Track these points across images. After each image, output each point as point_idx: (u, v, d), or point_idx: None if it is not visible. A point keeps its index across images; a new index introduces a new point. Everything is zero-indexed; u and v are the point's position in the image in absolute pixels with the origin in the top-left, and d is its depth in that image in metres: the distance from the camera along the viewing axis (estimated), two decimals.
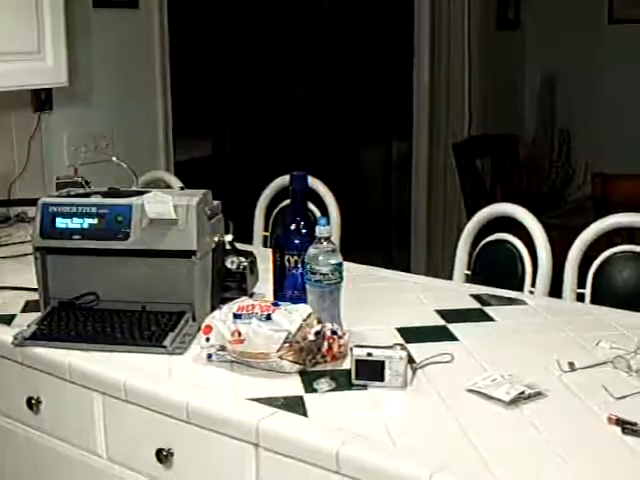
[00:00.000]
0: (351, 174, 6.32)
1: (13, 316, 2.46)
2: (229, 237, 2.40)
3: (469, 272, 2.97)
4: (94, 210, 2.29)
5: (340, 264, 2.14)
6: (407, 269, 4.71)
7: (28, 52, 3.32)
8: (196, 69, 5.55)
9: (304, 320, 2.00)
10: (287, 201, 3.36)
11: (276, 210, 3.57)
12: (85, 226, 2.29)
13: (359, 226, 4.82)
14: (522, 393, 1.84)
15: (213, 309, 2.25)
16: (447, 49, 5.67)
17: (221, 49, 5.93)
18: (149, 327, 2.21)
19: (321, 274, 2.11)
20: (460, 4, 5.64)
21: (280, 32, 6.22)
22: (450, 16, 5.64)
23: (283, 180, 3.51)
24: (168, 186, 3.64)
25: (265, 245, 3.51)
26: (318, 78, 6.46)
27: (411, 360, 1.99)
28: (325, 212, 3.33)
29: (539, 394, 1.86)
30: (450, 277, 3.00)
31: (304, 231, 2.26)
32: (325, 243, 2.13)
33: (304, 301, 2.16)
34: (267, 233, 3.59)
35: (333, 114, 6.46)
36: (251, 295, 2.41)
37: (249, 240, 3.51)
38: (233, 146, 6.11)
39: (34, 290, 2.53)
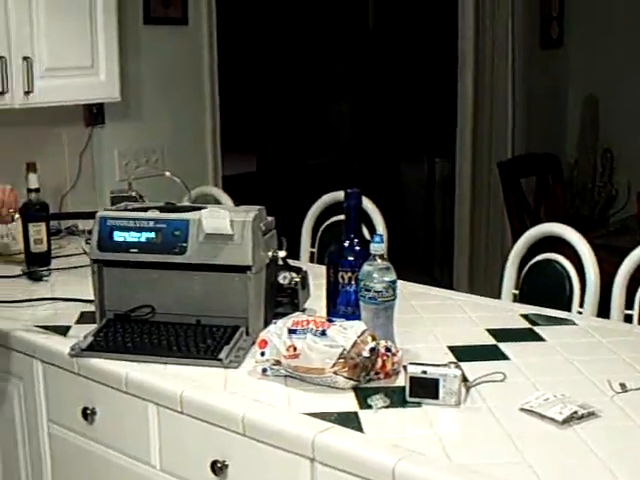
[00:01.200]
0: (394, 192, 6.36)
1: (68, 327, 2.50)
2: (282, 253, 2.43)
3: (517, 292, 2.97)
4: (152, 224, 2.33)
5: (394, 281, 2.16)
6: (450, 287, 4.71)
7: (82, 67, 3.38)
8: (243, 85, 5.62)
9: (359, 337, 2.02)
10: (335, 218, 3.42)
11: (323, 226, 3.60)
12: (143, 240, 2.33)
13: (402, 244, 4.84)
14: (575, 413, 1.85)
15: (267, 324, 2.29)
16: (491, 67, 5.68)
17: (267, 66, 6.00)
18: (204, 340, 2.24)
19: (375, 291, 2.13)
20: (504, 23, 5.65)
21: (326, 49, 6.27)
22: (494, 35, 5.64)
23: (330, 197, 3.54)
24: (217, 201, 3.68)
25: (312, 261, 3.53)
26: (362, 95, 6.51)
27: (464, 378, 2.00)
28: (371, 229, 3.34)
29: (592, 414, 1.87)
30: (494, 295, 3.01)
31: (358, 248, 2.29)
32: (379, 260, 2.15)
33: (357, 318, 2.18)
34: (314, 249, 3.61)
35: (377, 131, 6.50)
36: (303, 311, 2.44)
37: (295, 256, 3.54)
38: (277, 162, 6.17)
39: (88, 302, 2.58)
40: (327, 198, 3.58)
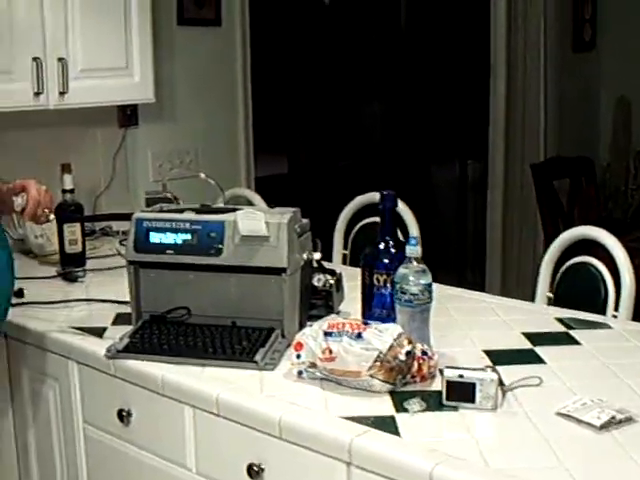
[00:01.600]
0: (426, 193, 6.34)
1: (104, 328, 2.51)
2: (317, 255, 2.43)
3: (551, 295, 2.96)
4: (188, 226, 2.33)
5: (430, 284, 2.16)
6: (482, 289, 4.69)
7: (116, 68, 3.40)
8: (274, 85, 5.62)
9: (395, 340, 2.02)
10: (368, 219, 3.42)
11: (356, 228, 3.59)
12: (179, 241, 2.33)
13: (433, 246, 4.83)
14: (613, 418, 1.84)
15: (301, 326, 2.30)
16: (523, 69, 5.65)
17: (299, 66, 5.99)
18: (240, 342, 2.25)
19: (411, 294, 2.13)
20: (536, 26, 5.62)
21: (357, 49, 6.26)
22: (526, 35, 5.62)
23: (364, 198, 3.54)
24: (249, 203, 3.68)
25: (344, 263, 3.53)
26: (394, 96, 6.49)
27: (501, 382, 1.99)
28: (403, 230, 3.33)
29: (630, 419, 1.86)
30: (526, 298, 2.99)
31: (393, 250, 2.28)
32: (415, 263, 2.14)
33: (392, 320, 2.18)
34: (346, 252, 3.61)
35: (408, 133, 6.48)
36: (337, 313, 2.44)
37: (328, 258, 3.54)
38: (309, 163, 6.16)
39: (123, 303, 2.59)
40: (361, 199, 3.57)
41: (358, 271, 2.41)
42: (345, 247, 3.63)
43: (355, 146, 6.53)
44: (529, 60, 5.64)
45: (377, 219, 2.43)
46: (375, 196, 2.62)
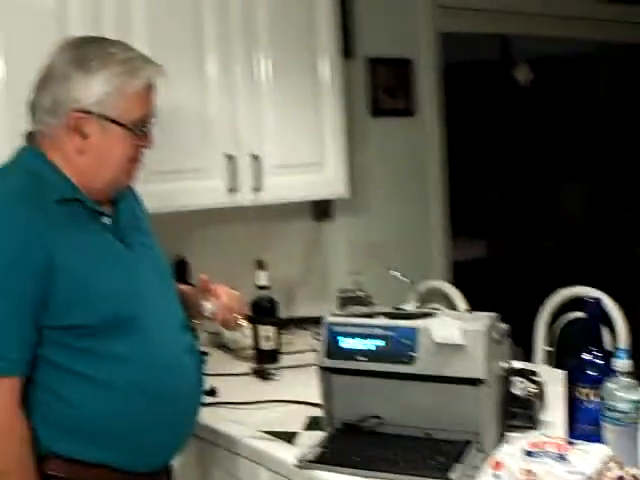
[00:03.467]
0: (633, 281, 6.05)
1: (295, 434, 2.45)
2: (517, 364, 2.30)
3: None
4: (379, 332, 2.26)
5: None
6: None
7: (310, 164, 3.40)
8: (471, 168, 5.55)
9: (602, 463, 1.86)
10: (573, 314, 3.25)
11: (561, 322, 3.42)
12: (371, 348, 2.26)
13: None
14: None
15: (500, 437, 2.18)
16: None
17: (495, 147, 5.90)
18: (434, 456, 2.14)
19: (620, 411, 1.97)
20: None
21: (554, 129, 6.12)
22: None
23: (567, 292, 3.38)
24: (445, 297, 3.59)
25: (548, 361, 3.36)
26: (596, 175, 6.29)
27: None
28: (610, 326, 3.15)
29: None
30: None
31: (599, 362, 2.13)
32: (624, 377, 1.99)
33: (599, 437, 2.02)
34: (551, 348, 3.43)
35: (612, 213, 6.25)
36: (538, 423, 2.30)
37: (526, 348, 3.40)
38: (509, 248, 6.01)
39: (316, 405, 2.52)
40: (565, 293, 3.40)
41: (562, 373, 2.25)
42: (549, 343, 3.45)
43: (557, 227, 6.35)
44: None
45: (583, 315, 2.27)
46: (580, 291, 2.47)
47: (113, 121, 2.02)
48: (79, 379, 1.99)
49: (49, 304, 1.94)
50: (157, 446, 2.13)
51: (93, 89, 1.99)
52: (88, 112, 2.00)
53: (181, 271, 3.37)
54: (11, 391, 1.92)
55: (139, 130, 2.07)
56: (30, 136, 2.10)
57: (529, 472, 1.90)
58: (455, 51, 4.60)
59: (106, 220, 2.10)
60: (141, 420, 2.05)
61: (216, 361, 3.23)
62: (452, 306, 3.57)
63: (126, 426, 2.04)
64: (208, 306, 2.31)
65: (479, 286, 5.05)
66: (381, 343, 2.25)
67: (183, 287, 2.46)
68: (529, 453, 1.94)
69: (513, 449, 1.98)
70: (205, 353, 3.19)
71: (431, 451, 2.16)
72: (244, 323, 2.39)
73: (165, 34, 3.00)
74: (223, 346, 3.38)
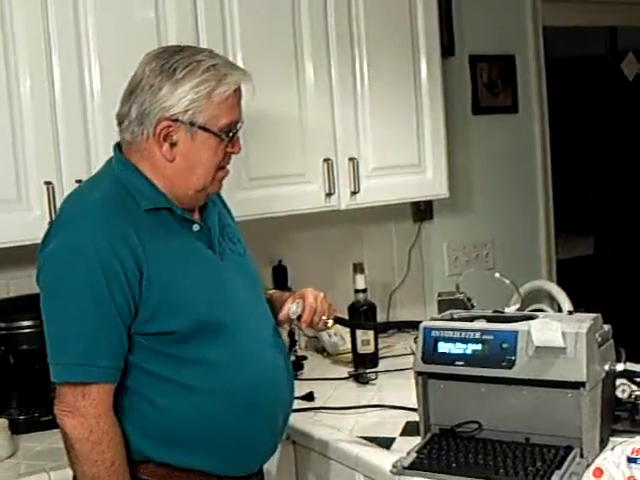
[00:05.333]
0: None
1: (392, 439, 2.42)
2: (620, 366, 2.22)
3: None
4: (478, 336, 2.20)
5: None
6: None
7: (408, 165, 3.35)
8: (576, 163, 5.43)
9: None
10: None
11: None
12: (469, 352, 2.20)
13: None
14: None
15: (602, 443, 2.11)
16: None
17: (601, 142, 5.78)
18: (534, 462, 2.07)
19: None
20: None
21: None
22: None
23: None
24: (550, 297, 3.50)
25: None
26: None
27: None
28: None
29: None
30: None
31: None
32: None
33: None
34: None
35: None
36: None
37: (632, 348, 3.29)
38: (617, 245, 5.86)
39: (413, 410, 2.48)
40: None
41: None
42: None
43: None
44: None
45: None
46: None
47: (201, 127, 2.02)
48: (169, 385, 2.00)
49: (139, 312, 1.95)
50: (249, 451, 2.12)
51: (180, 97, 1.99)
52: (176, 120, 2.00)
53: (280, 276, 3.37)
54: (104, 397, 1.94)
55: (227, 136, 2.06)
56: (119, 146, 2.11)
57: (632, 479, 1.83)
58: (560, 46, 4.50)
59: (195, 228, 2.10)
60: (233, 426, 2.05)
61: (314, 365, 3.22)
62: (557, 306, 3.50)
63: (218, 432, 2.04)
64: (292, 308, 2.29)
65: (584, 285, 4.94)
66: (479, 347, 2.20)
67: (270, 291, 2.45)
68: (632, 460, 1.87)
69: (616, 455, 1.91)
70: (304, 357, 3.21)
71: (530, 457, 2.10)
72: (330, 323, 2.35)
73: (262, 42, 2.99)
74: (323, 350, 3.37)
